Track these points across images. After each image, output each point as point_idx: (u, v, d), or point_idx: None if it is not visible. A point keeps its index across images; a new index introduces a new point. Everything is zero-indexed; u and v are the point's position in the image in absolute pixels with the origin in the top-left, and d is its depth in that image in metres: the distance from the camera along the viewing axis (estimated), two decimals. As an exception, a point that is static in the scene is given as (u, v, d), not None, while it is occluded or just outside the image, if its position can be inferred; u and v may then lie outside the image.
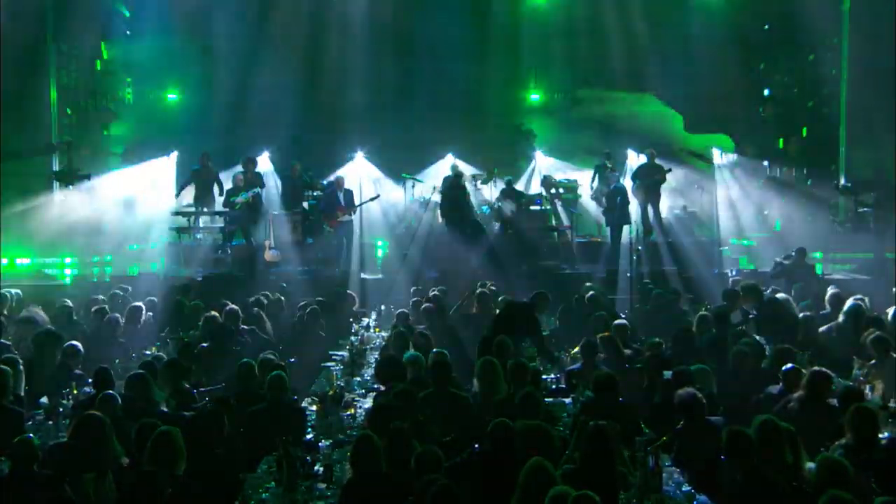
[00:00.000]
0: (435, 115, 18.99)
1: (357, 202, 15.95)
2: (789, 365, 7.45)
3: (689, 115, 20.20)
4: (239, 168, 16.41)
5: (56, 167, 17.61)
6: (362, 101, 19.48)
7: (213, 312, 10.36)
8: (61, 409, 7.21)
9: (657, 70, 18.69)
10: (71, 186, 17.05)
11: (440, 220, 16.12)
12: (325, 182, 17.60)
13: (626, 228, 15.72)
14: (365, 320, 10.90)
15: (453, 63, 19.10)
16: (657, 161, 16.48)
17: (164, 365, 7.88)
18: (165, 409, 7.11)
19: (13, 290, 11.74)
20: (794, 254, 13.73)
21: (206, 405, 6.99)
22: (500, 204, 16.41)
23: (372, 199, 16.25)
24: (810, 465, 5.41)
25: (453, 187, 15.68)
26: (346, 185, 16.16)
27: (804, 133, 19.51)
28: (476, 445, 5.73)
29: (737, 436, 5.37)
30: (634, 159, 17.74)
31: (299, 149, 18.23)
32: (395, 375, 7.35)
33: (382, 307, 11.69)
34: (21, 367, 7.86)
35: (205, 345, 9.21)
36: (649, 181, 16.36)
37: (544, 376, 8.41)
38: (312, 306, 10.76)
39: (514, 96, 20.67)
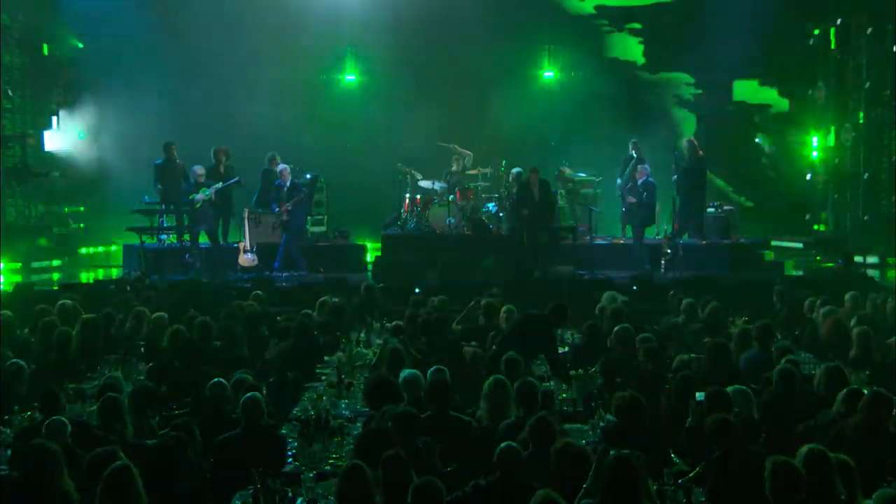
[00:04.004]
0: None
1: (294, 194, 15.98)
2: (851, 387, 7.42)
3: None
4: (210, 161, 16.45)
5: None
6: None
7: (180, 326, 10.33)
8: (2, 438, 7.19)
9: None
10: (28, 184, 17.10)
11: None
12: (308, 176, 17.62)
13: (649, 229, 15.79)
14: (353, 334, 10.88)
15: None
16: (700, 152, 16.49)
17: (132, 390, 7.86)
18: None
19: None
20: (840, 260, 13.74)
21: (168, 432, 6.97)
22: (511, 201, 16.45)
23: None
24: (867, 502, 5.39)
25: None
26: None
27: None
28: (482, 481, 5.72)
29: (783, 467, 5.34)
30: None
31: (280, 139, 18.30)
32: (387, 398, 7.32)
33: (373, 319, 11.67)
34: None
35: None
36: (690, 175, 16.38)
37: (562, 396, 8.40)
38: (293, 318, 10.74)
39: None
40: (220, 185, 16.01)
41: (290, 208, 15.95)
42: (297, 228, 16.40)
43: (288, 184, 15.98)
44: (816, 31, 20.08)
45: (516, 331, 9.78)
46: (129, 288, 13.41)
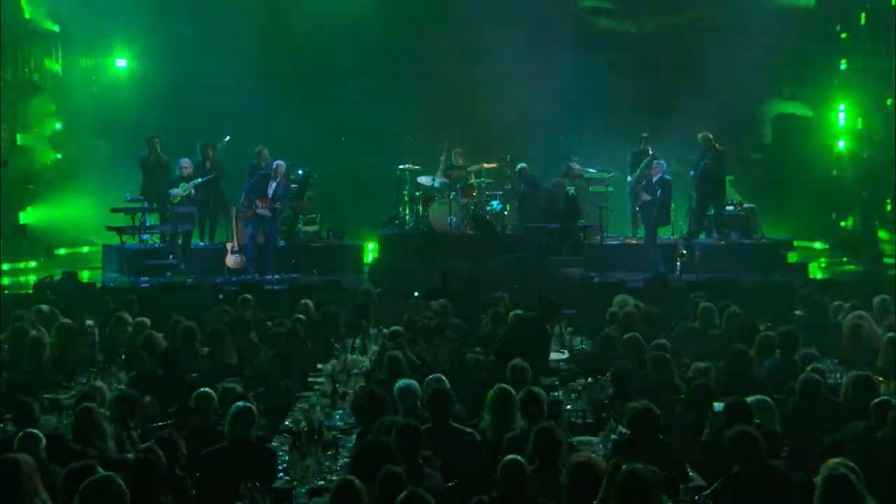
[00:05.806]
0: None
1: (283, 194, 15.99)
2: (880, 398, 7.41)
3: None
4: (196, 157, 16.44)
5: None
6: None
7: (156, 333, 10.34)
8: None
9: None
10: None
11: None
12: (299, 172, 17.61)
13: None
14: (349, 340, 10.88)
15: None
16: (717, 145, 16.50)
17: (112, 399, 7.86)
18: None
19: None
20: (868, 262, 13.76)
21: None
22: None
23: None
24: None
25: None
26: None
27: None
28: (486, 497, 5.72)
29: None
30: None
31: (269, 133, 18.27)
32: (378, 414, 7.26)
33: (370, 324, 11.68)
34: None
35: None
36: (708, 171, 16.39)
37: (567, 407, 8.41)
38: (285, 324, 10.74)
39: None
40: (198, 180, 16.00)
41: (280, 206, 15.96)
42: (275, 229, 16.42)
43: (278, 181, 15.94)
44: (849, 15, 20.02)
45: (512, 335, 9.79)
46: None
